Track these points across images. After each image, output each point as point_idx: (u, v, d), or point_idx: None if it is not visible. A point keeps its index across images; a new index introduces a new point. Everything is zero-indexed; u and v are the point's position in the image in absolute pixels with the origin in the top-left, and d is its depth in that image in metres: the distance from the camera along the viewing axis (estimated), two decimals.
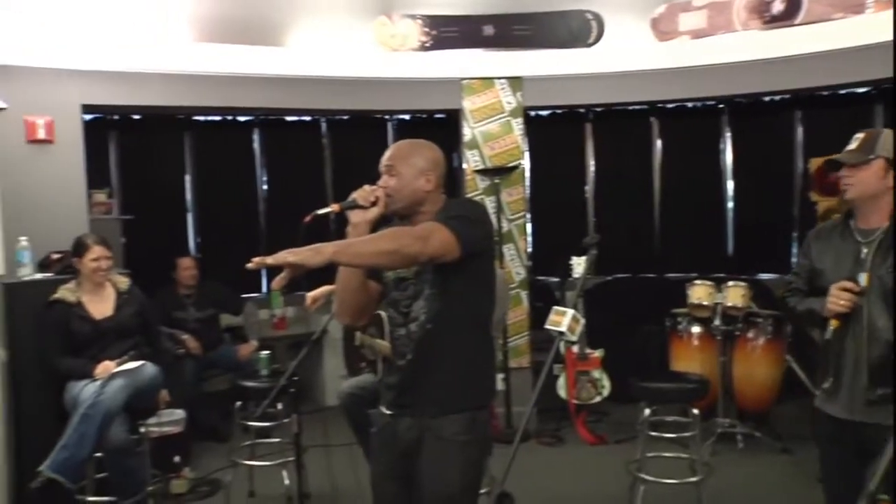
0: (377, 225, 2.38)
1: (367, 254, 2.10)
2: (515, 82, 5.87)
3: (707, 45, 5.61)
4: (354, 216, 2.35)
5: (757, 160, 7.06)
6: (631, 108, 6.79)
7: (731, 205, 7.23)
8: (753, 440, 5.20)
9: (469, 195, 5.86)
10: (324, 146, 7.22)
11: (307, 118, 7.15)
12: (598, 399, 5.62)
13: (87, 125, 5.04)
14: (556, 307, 2.26)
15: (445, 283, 2.32)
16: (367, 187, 2.36)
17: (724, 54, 5.55)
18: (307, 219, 2.21)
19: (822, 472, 2.64)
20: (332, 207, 2.32)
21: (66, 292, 4.17)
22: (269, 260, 1.94)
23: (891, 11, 4.69)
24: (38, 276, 4.46)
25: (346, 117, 7.12)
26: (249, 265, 1.96)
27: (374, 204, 2.35)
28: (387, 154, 2.42)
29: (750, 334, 5.44)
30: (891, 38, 4.35)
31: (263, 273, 6.80)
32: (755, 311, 5.40)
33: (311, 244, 2.01)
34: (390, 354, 2.52)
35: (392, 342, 2.48)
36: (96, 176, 5.64)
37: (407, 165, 2.39)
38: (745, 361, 5.42)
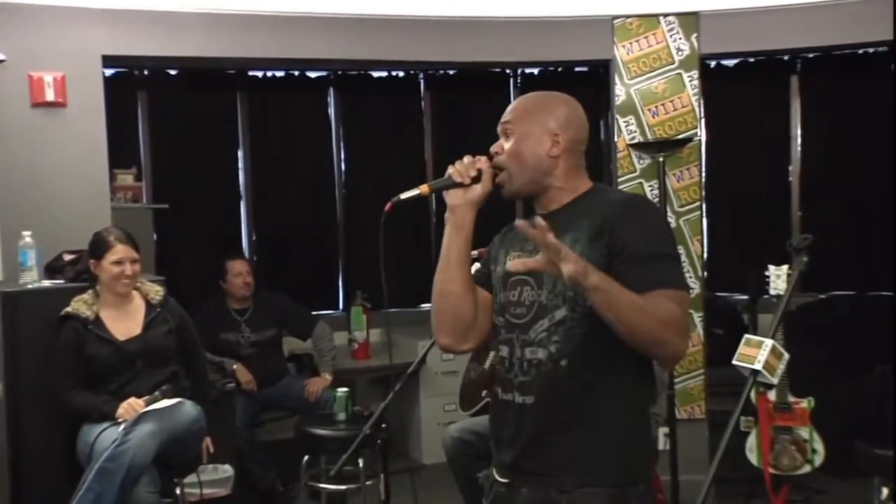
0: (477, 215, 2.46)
1: (627, 314, 2.15)
2: (689, 21, 5.80)
3: None
4: (452, 197, 2.46)
5: None
6: (861, 51, 6.58)
7: None
8: None
9: (621, 180, 5.85)
10: (423, 111, 7.25)
11: (400, 73, 7.14)
12: (806, 469, 5.39)
13: (109, 83, 5.21)
14: (748, 336, 2.27)
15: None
16: (466, 158, 2.45)
17: None
18: (388, 207, 2.37)
19: None
20: (421, 189, 2.43)
21: (80, 305, 4.28)
22: (551, 239, 2.04)
23: None
24: (46, 283, 4.59)
25: (453, 72, 7.11)
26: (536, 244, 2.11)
27: (475, 180, 2.44)
28: (508, 109, 2.51)
29: None
30: None
31: (340, 283, 7.19)
32: None
33: (388, 238, 2.24)
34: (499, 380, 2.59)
35: (502, 366, 2.52)
36: (121, 151, 5.72)
37: (529, 123, 2.46)
38: None
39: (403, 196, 2.39)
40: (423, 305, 6.68)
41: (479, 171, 2.43)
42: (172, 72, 6.68)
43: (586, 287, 2.09)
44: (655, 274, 2.24)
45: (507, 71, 7.15)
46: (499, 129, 2.49)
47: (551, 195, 2.46)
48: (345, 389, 4.80)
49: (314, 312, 6.42)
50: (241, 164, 7.05)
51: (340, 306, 7.12)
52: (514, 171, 2.44)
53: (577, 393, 2.35)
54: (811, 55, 6.92)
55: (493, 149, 2.47)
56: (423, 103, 7.31)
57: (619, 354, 2.30)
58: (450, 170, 2.44)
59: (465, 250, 2.45)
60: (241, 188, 7.06)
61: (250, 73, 6.95)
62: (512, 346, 2.46)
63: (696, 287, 5.87)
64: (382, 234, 2.35)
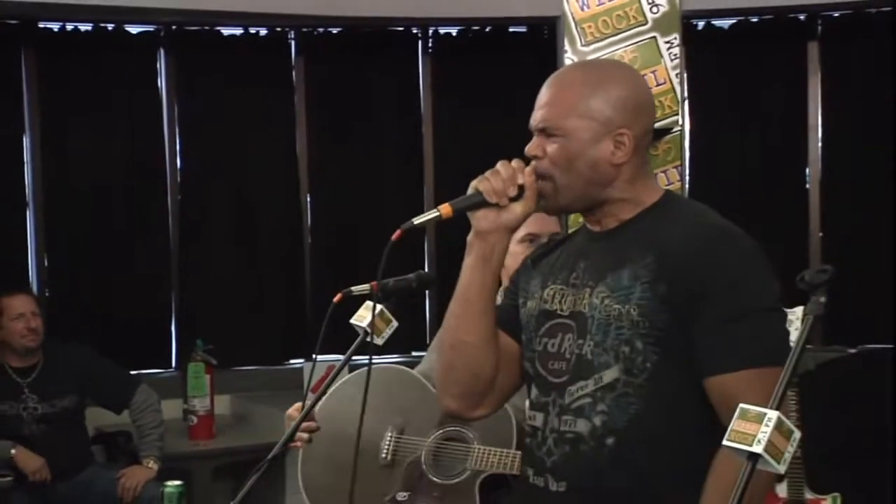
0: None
1: None
2: None
3: None
4: (482, 220, 2.29)
5: None
6: None
7: None
8: None
9: None
10: (294, 85, 6.69)
11: (262, 30, 6.58)
12: None
13: None
14: (743, 406, 2.03)
15: (665, 359, 2.13)
16: (501, 167, 2.29)
17: None
18: (397, 234, 2.27)
19: None
20: (441, 211, 2.30)
21: None
22: None
23: None
24: None
25: (337, 30, 6.64)
26: None
27: (515, 198, 2.27)
28: (542, 97, 2.33)
29: None
30: None
31: (173, 329, 6.65)
32: None
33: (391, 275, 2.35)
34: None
35: (533, 439, 2.36)
36: None
37: (578, 116, 2.26)
38: None
39: (417, 221, 2.27)
40: (292, 362, 6.30)
41: (521, 188, 2.25)
42: None
43: None
44: (745, 344, 2.09)
45: (414, 30, 6.72)
46: (532, 123, 2.31)
47: (608, 210, 2.29)
48: (177, 483, 4.25)
49: (133, 372, 5.84)
50: (27, 156, 6.29)
51: (173, 363, 6.41)
52: (561, 183, 2.26)
53: (624, 484, 2.18)
54: (836, 13, 6.51)
55: (529, 150, 2.29)
56: (293, 74, 6.67)
57: (689, 435, 2.18)
58: (479, 184, 2.28)
59: (491, 288, 2.30)
60: (28, 190, 6.32)
61: (42, 25, 6.23)
62: (547, 413, 2.30)
63: None
64: (382, 267, 2.21)
